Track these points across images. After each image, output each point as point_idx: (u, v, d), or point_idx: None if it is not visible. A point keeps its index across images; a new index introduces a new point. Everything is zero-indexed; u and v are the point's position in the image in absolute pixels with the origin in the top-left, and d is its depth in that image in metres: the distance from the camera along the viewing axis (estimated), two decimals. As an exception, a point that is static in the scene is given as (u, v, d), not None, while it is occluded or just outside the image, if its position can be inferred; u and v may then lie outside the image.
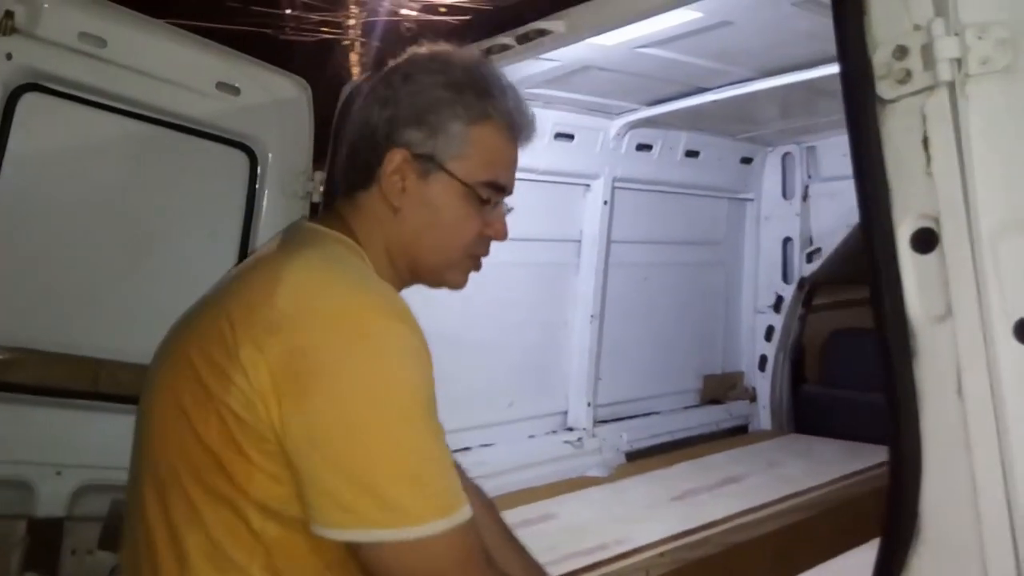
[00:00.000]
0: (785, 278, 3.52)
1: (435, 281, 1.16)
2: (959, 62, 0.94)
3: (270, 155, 2.13)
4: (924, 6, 0.98)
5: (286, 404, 0.89)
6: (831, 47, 2.08)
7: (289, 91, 2.12)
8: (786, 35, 1.97)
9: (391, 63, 1.16)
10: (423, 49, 1.17)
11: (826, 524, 2.57)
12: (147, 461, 1.02)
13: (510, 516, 2.32)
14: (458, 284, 1.17)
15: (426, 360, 0.94)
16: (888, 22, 1.00)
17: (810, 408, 3.60)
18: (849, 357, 3.57)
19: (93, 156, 1.95)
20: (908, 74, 0.98)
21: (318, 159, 2.17)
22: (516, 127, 1.13)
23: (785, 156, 3.47)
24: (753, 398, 3.60)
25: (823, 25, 1.90)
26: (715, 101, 2.55)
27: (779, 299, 3.54)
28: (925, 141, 0.97)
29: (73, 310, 1.96)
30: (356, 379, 0.90)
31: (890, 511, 0.98)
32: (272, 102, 2.10)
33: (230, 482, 0.93)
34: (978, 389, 0.91)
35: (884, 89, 1.00)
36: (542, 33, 1.49)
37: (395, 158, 1.08)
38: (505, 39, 1.55)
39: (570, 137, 2.68)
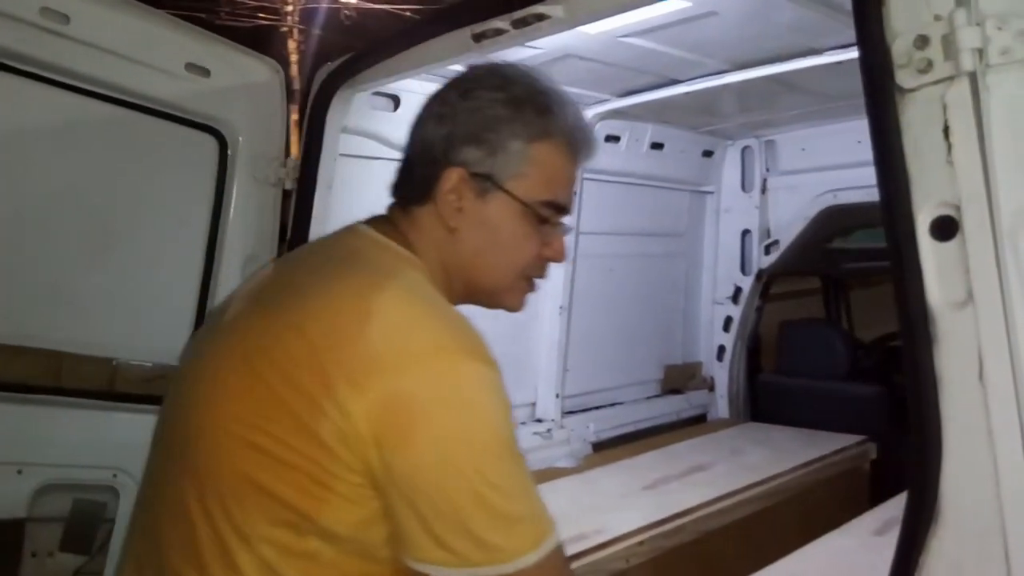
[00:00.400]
0: (743, 270, 3.58)
1: (491, 303, 1.14)
2: (980, 52, 0.96)
3: (241, 140, 2.05)
4: (944, -4, 0.99)
5: (387, 450, 0.89)
6: (807, 40, 2.14)
7: (261, 74, 2.05)
8: (767, 27, 1.99)
9: (451, 79, 1.13)
10: (481, 63, 1.15)
11: (790, 510, 2.63)
12: (192, 472, 0.98)
13: (484, 508, 2.32)
14: (515, 307, 1.15)
15: (506, 397, 0.95)
16: (907, 12, 1.01)
17: (766, 397, 3.67)
18: (802, 346, 3.65)
19: (55, 138, 1.85)
20: (929, 64, 0.99)
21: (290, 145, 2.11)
22: (576, 145, 1.11)
23: (744, 150, 3.52)
24: (711, 387, 3.66)
25: (805, 18, 1.95)
26: (684, 94, 2.58)
27: (737, 290, 3.60)
28: (946, 130, 0.99)
29: (33, 301, 1.86)
30: (453, 426, 0.90)
31: (911, 494, 1.00)
32: (243, 85, 2.03)
33: (298, 504, 0.92)
34: (1000, 374, 0.93)
35: (904, 78, 1.01)
36: (540, 18, 1.46)
37: (452, 177, 1.06)
38: (500, 23, 1.52)
39: (541, 127, 2.66)
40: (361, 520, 0.93)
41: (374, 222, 1.12)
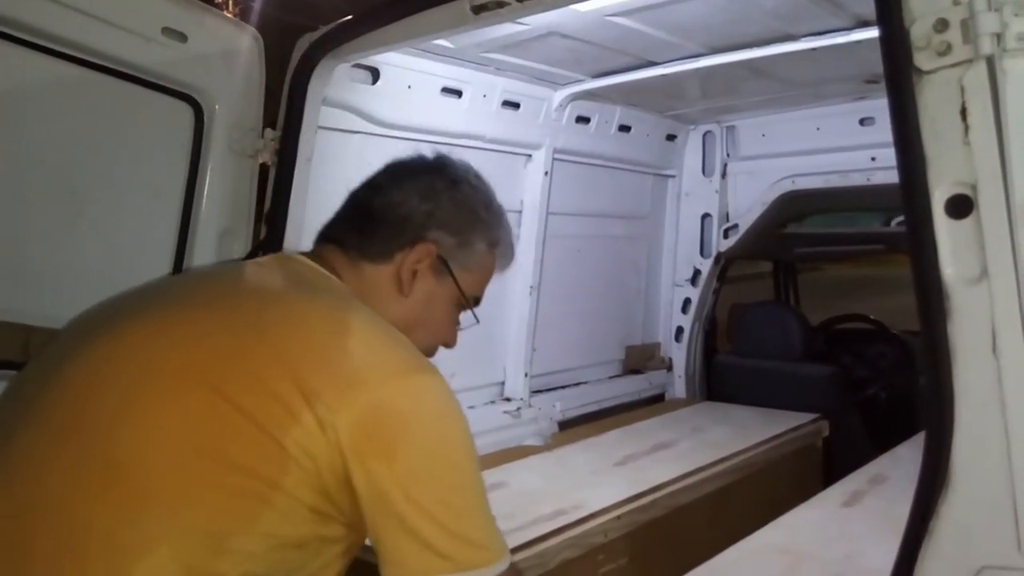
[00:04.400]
0: (703, 252, 3.65)
1: None
2: (998, 37, 1.00)
3: (217, 108, 1.98)
4: (963, -19, 1.02)
5: (371, 460, 0.94)
6: (784, 26, 2.18)
7: (240, 41, 1.98)
8: (749, 11, 2.02)
9: (428, 162, 1.25)
10: (447, 154, 1.28)
11: (752, 485, 2.70)
12: (107, 469, 0.93)
13: (459, 486, 2.32)
14: None
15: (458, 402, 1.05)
16: (926, -4, 1.05)
17: (722, 377, 3.76)
18: (759, 328, 3.74)
19: (20, 101, 1.75)
20: (948, 47, 1.03)
21: (269, 116, 2.05)
22: (506, 260, 1.29)
23: (706, 135, 3.57)
24: (669, 368, 3.72)
25: (787, 3, 1.98)
26: (656, 76, 2.60)
27: (696, 273, 3.66)
28: (963, 111, 1.02)
29: (-1, 271, 1.77)
30: (435, 433, 0.99)
31: (925, 461, 1.04)
32: (221, 52, 1.96)
33: (240, 516, 0.92)
34: (1014, 347, 0.97)
35: (922, 60, 1.04)
36: (546, -9, 1.46)
37: (423, 250, 1.18)
38: (504, -5, 1.50)
39: (516, 106, 2.65)
40: (280, 544, 0.94)
41: (312, 258, 1.20)
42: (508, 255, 1.28)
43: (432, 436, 0.99)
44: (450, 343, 1.26)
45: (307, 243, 2.09)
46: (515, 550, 1.86)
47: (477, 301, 1.26)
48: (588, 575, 2.03)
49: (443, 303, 1.21)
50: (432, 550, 0.94)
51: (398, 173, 1.24)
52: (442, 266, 1.19)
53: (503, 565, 1.00)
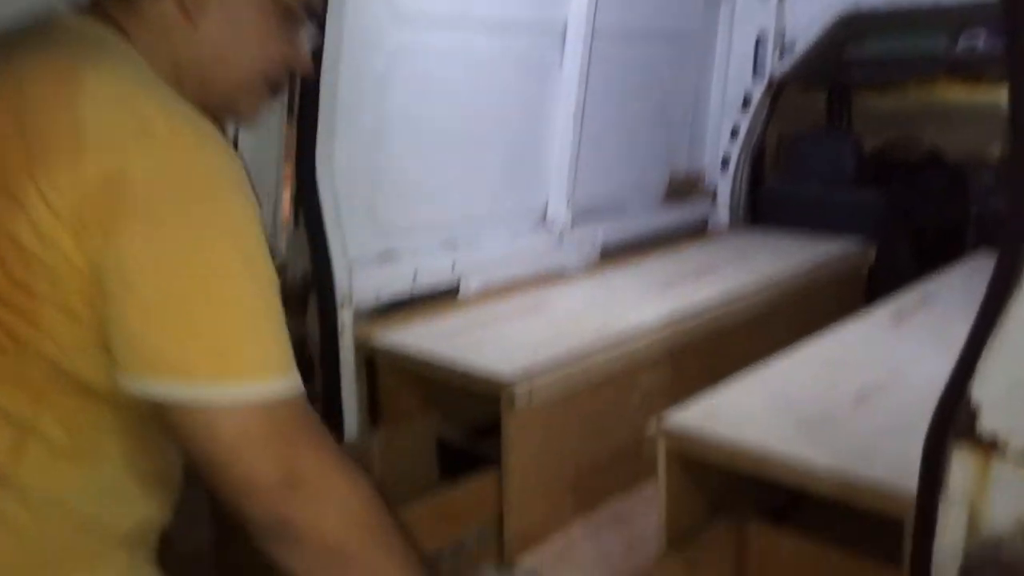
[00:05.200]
0: (756, 73, 3.48)
1: (225, 108, 1.00)
2: None
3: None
4: None
5: (98, 236, 0.75)
6: None
7: None
8: None
9: None
10: None
11: (797, 308, 2.71)
12: None
13: (503, 307, 2.38)
14: (250, 114, 1.02)
15: (251, 194, 0.83)
16: None
17: (769, 205, 3.69)
18: (808, 154, 3.63)
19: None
20: None
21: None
22: None
23: (765, -58, 3.32)
24: (714, 197, 3.66)
25: None
26: None
27: (747, 98, 3.52)
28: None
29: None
30: (184, 209, 0.78)
31: (999, 258, 1.02)
32: None
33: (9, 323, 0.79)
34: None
35: None
36: None
37: None
38: None
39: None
40: (75, 343, 0.80)
41: (83, 15, 0.93)
42: None
43: (180, 211, 0.77)
44: (295, 62, 1.02)
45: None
46: (560, 365, 1.91)
47: (307, 6, 1.00)
48: (632, 388, 2.10)
49: (256, 19, 0.95)
50: (151, 346, 0.76)
51: None
52: None
53: (272, 386, 0.78)
